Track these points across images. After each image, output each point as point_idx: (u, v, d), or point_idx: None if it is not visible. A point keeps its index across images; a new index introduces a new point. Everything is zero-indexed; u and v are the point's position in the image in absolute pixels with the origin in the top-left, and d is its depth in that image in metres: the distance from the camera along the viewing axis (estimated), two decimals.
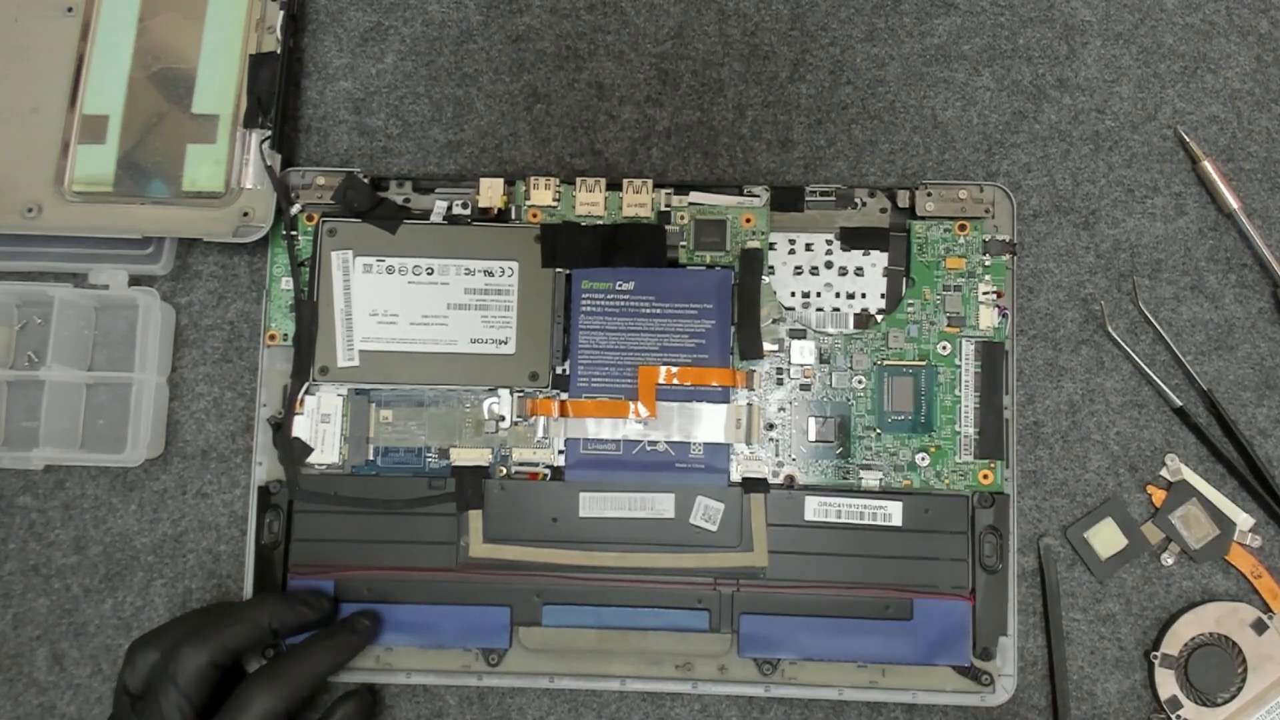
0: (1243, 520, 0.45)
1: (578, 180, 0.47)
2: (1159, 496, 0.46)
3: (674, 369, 0.45)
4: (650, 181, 0.46)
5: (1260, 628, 0.44)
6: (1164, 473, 0.46)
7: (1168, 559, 0.45)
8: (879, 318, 0.46)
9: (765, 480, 0.45)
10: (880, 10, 0.50)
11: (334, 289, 0.46)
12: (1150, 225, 0.48)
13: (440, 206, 0.47)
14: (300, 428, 0.45)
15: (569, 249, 0.46)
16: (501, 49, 0.50)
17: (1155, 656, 0.44)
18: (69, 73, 0.47)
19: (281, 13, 0.47)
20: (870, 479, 0.45)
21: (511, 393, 0.45)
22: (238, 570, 0.46)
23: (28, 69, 0.47)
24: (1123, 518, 0.45)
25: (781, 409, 0.45)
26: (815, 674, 0.44)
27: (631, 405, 0.45)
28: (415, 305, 0.46)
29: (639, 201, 0.46)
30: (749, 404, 0.45)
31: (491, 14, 0.50)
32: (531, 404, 0.45)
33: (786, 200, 0.47)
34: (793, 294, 0.47)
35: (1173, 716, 0.44)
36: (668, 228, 0.46)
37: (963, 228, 0.46)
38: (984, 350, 0.46)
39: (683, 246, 0.46)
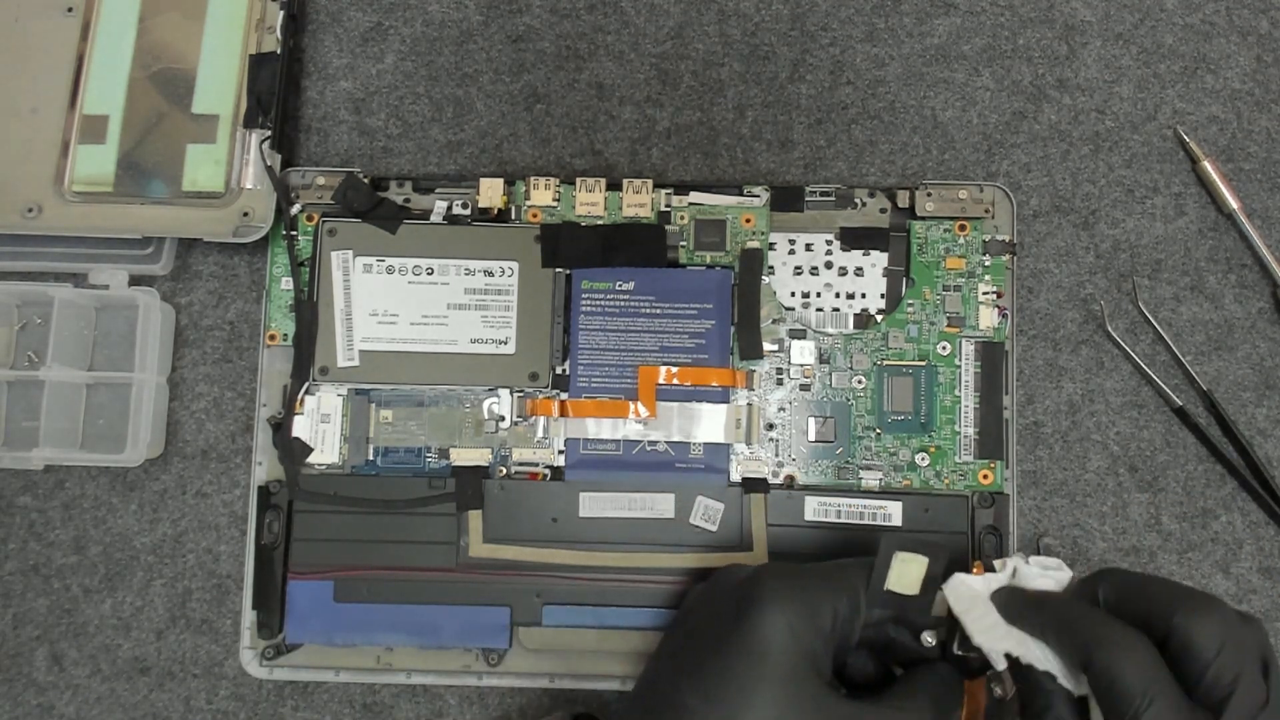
0: None
1: (578, 180, 0.47)
2: None
3: (674, 369, 0.45)
4: (650, 181, 0.46)
5: None
6: None
7: None
8: (879, 318, 0.46)
9: (765, 480, 0.45)
10: (880, 10, 0.50)
11: (334, 289, 0.46)
12: (1150, 225, 0.48)
13: (440, 206, 0.47)
14: (300, 428, 0.45)
15: (569, 249, 0.46)
16: (501, 49, 0.50)
17: None
18: (69, 73, 0.47)
19: (281, 13, 0.47)
20: (870, 479, 0.45)
21: (511, 393, 0.45)
22: (238, 570, 0.46)
23: (28, 69, 0.47)
24: None
25: (781, 409, 0.45)
26: None
27: (631, 405, 0.45)
28: (415, 305, 0.46)
29: (639, 201, 0.46)
30: (749, 404, 0.45)
31: (491, 14, 0.50)
32: (531, 404, 0.45)
33: (786, 200, 0.47)
34: (793, 294, 0.47)
35: None
36: (668, 228, 0.46)
37: (963, 228, 0.46)
38: (984, 350, 0.46)
39: (683, 246, 0.46)
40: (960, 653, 0.35)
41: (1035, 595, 0.34)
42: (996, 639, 0.33)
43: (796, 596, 0.34)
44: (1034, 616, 0.33)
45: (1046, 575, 0.35)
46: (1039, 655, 0.32)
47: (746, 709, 0.32)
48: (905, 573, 0.35)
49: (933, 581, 0.35)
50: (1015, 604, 0.34)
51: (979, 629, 0.33)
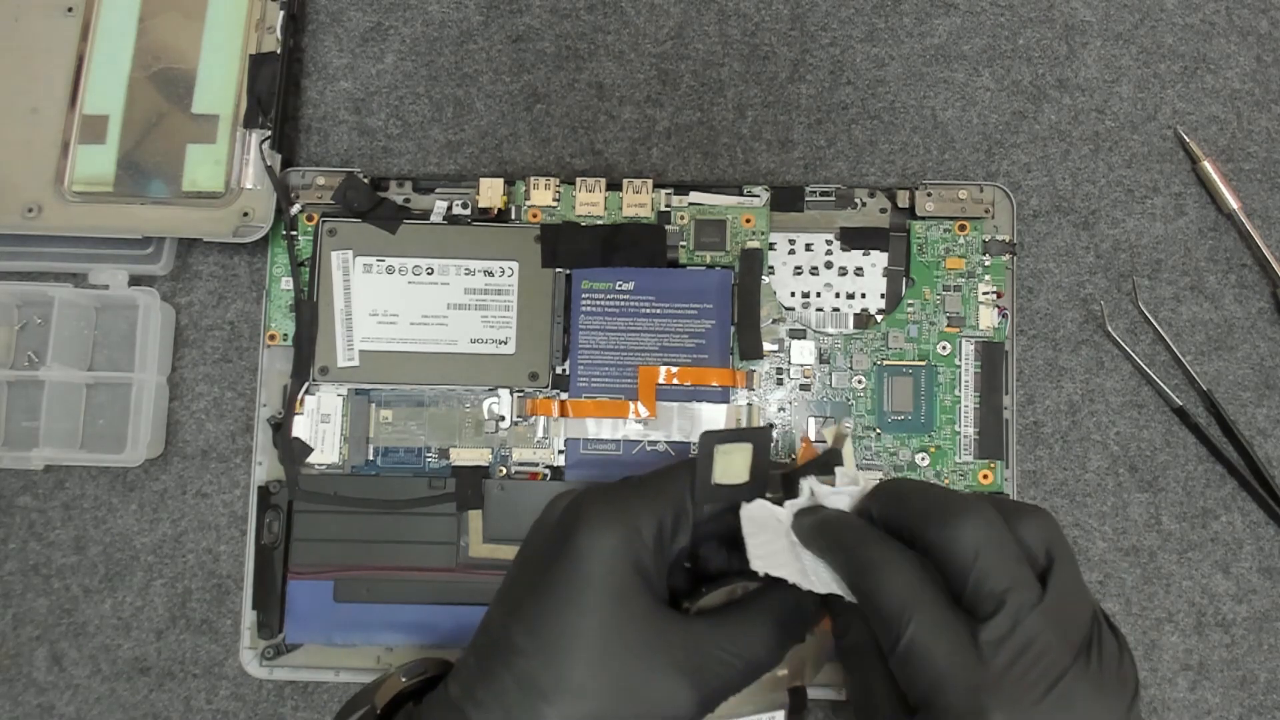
0: None
1: (578, 180, 0.47)
2: None
3: (674, 369, 0.45)
4: (650, 181, 0.46)
5: None
6: None
7: None
8: (879, 318, 0.46)
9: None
10: (880, 10, 0.50)
11: (334, 289, 0.46)
12: (1150, 225, 0.48)
13: (440, 206, 0.47)
14: (300, 428, 0.45)
15: (569, 249, 0.46)
16: (501, 49, 0.50)
17: None
18: (69, 73, 0.47)
19: (281, 13, 0.47)
20: (870, 479, 0.45)
21: (511, 393, 0.45)
22: (238, 570, 0.46)
23: (28, 69, 0.47)
24: None
25: (781, 409, 0.45)
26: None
27: (631, 405, 0.45)
28: (415, 305, 0.46)
29: (639, 201, 0.46)
30: (749, 404, 0.45)
31: (491, 14, 0.50)
32: (531, 404, 0.45)
33: (786, 200, 0.47)
34: (793, 294, 0.47)
35: None
36: (668, 228, 0.46)
37: (963, 228, 0.46)
38: (984, 350, 0.46)
39: (683, 246, 0.46)
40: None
41: (821, 518, 0.33)
42: (775, 565, 0.32)
43: (615, 516, 0.32)
44: (816, 540, 0.32)
45: (839, 494, 0.34)
46: (825, 578, 0.32)
47: (577, 641, 0.30)
48: (730, 464, 0.34)
49: (761, 465, 0.35)
50: (803, 528, 0.33)
51: (759, 555, 0.32)
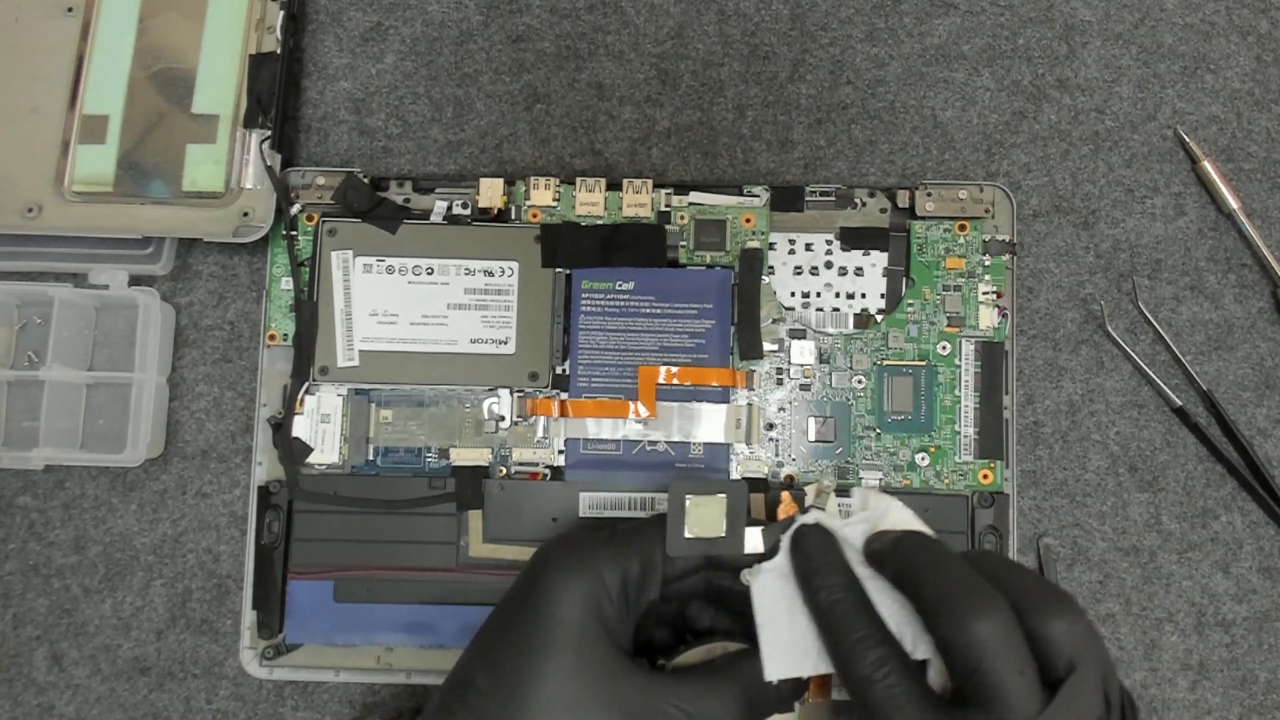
0: None
1: (578, 180, 0.47)
2: None
3: (674, 369, 0.45)
4: (650, 181, 0.46)
5: None
6: None
7: None
8: (879, 318, 0.46)
9: (765, 480, 0.45)
10: (880, 10, 0.50)
11: (334, 289, 0.46)
12: (1150, 225, 0.48)
13: (440, 206, 0.47)
14: (300, 428, 0.45)
15: (569, 249, 0.46)
16: (501, 49, 0.50)
17: None
18: (69, 73, 0.47)
19: (281, 13, 0.47)
20: (870, 479, 0.45)
21: (511, 393, 0.45)
22: (238, 570, 0.46)
23: (28, 69, 0.47)
24: None
25: (781, 409, 0.45)
26: None
27: (631, 405, 0.45)
28: (415, 305, 0.46)
29: (639, 201, 0.46)
30: (749, 404, 0.45)
31: (491, 14, 0.50)
32: (531, 404, 0.45)
33: (786, 200, 0.47)
34: (793, 294, 0.47)
35: None
36: (668, 228, 0.46)
37: (963, 228, 0.46)
38: (984, 350, 0.46)
39: (683, 246, 0.46)
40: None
41: (816, 566, 0.32)
42: (793, 663, 0.31)
43: (580, 563, 0.33)
44: (803, 585, 0.32)
45: (853, 525, 0.33)
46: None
47: (533, 683, 0.31)
48: (703, 516, 0.34)
49: (738, 515, 0.34)
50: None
51: (773, 650, 0.31)
